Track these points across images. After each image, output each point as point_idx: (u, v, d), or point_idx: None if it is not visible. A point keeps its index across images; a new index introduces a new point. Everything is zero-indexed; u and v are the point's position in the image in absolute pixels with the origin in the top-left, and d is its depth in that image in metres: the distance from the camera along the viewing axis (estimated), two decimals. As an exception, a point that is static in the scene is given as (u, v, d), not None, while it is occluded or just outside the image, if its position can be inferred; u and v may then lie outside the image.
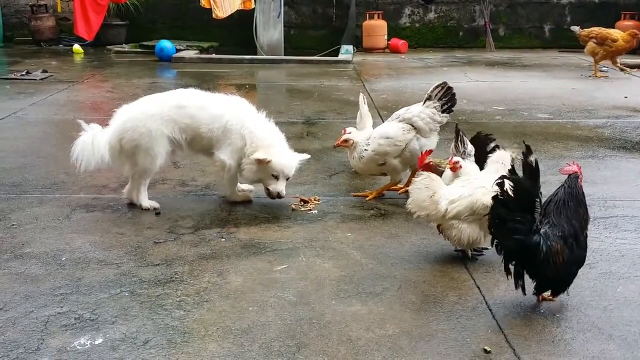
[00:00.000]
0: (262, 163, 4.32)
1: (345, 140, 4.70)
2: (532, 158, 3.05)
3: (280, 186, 4.41)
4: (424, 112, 4.71)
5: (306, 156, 4.69)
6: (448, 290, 3.38)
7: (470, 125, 6.41)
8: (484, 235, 3.56)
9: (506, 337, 2.95)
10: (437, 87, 4.82)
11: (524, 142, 3.40)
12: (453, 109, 4.84)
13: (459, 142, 4.13)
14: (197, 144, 4.51)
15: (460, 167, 3.92)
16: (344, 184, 5.07)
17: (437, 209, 3.59)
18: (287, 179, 4.46)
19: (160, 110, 4.40)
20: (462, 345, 2.88)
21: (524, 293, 3.13)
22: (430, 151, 4.38)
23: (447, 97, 4.78)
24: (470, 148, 4.13)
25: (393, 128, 4.71)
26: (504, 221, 2.98)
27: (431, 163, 4.26)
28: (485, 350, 2.83)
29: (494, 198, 3.02)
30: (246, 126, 4.41)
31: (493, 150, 4.01)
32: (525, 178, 3.07)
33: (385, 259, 3.75)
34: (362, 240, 4.00)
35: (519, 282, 3.10)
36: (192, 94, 4.63)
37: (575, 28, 10.62)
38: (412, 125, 4.68)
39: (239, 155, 4.43)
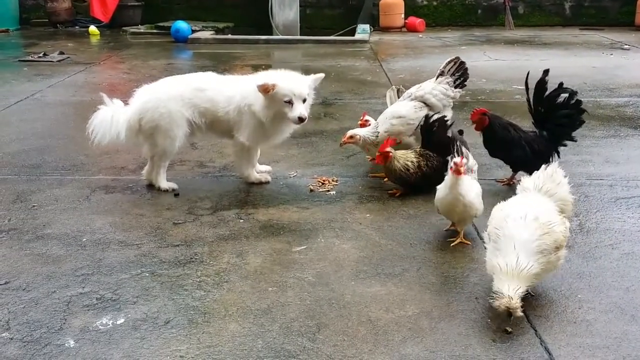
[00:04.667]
0: (266, 90, 4.08)
1: (351, 137, 4.62)
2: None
3: (298, 109, 4.08)
4: (436, 89, 4.68)
5: (320, 75, 4.33)
6: (469, 271, 3.36)
7: (489, 105, 6.33)
8: None
9: (528, 318, 2.93)
10: (449, 62, 4.79)
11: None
12: (466, 83, 4.82)
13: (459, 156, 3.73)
14: (218, 127, 4.48)
15: (473, 171, 3.77)
16: (362, 165, 5.04)
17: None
18: (304, 101, 4.14)
19: (182, 92, 4.38)
20: (483, 327, 2.87)
21: None
22: (394, 140, 4.37)
23: (459, 72, 4.75)
24: (473, 162, 3.86)
25: (405, 107, 4.67)
26: None
27: (390, 155, 4.21)
28: (506, 331, 2.81)
29: None
30: (247, 92, 4.28)
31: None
32: None
33: (404, 239, 3.74)
34: (381, 221, 3.98)
35: None
36: (211, 77, 4.59)
37: None
38: (425, 103, 4.64)
39: (256, 135, 4.40)
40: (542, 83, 4.32)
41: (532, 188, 3.16)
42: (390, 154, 4.23)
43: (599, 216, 4.02)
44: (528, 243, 2.85)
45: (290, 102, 4.13)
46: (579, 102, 4.34)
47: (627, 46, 10.61)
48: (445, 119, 4.42)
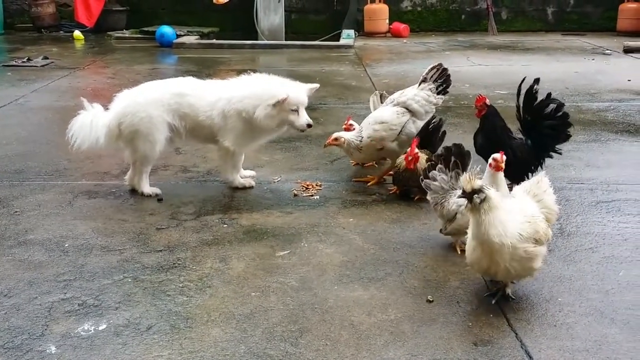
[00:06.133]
0: (280, 103, 4.17)
1: (336, 139, 4.63)
2: None
3: (304, 117, 4.28)
4: (419, 95, 4.70)
5: (315, 85, 4.51)
6: (450, 275, 3.39)
7: (472, 110, 6.36)
8: None
9: (509, 321, 2.95)
10: (432, 68, 4.82)
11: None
12: (448, 90, 4.85)
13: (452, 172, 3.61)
14: (200, 132, 4.47)
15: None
16: (345, 170, 5.06)
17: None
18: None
19: (162, 97, 4.38)
20: (464, 330, 2.89)
21: None
22: (419, 139, 4.41)
23: (442, 79, 4.78)
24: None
25: (387, 112, 4.69)
26: None
27: (418, 155, 4.26)
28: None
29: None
30: (237, 98, 4.31)
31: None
32: None
33: (387, 244, 3.76)
34: (364, 226, 4.00)
35: None
36: (192, 83, 4.58)
37: None
38: (407, 109, 4.67)
39: (242, 140, 4.41)
40: (531, 91, 4.30)
41: (521, 193, 3.20)
42: (419, 155, 4.25)
43: (580, 220, 4.07)
44: (511, 222, 2.91)
45: (296, 111, 4.25)
46: (565, 114, 4.30)
47: (608, 51, 10.73)
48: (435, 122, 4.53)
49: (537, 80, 4.31)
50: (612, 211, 4.20)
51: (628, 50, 10.53)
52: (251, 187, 4.62)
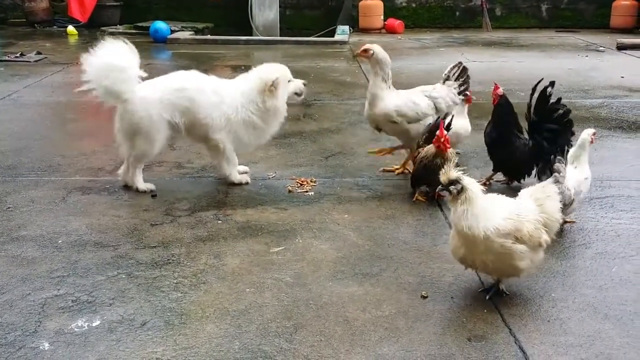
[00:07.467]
0: (277, 83, 4.42)
1: (366, 50, 4.56)
2: None
3: (296, 81, 4.63)
4: (449, 96, 4.70)
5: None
6: (444, 271, 3.39)
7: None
8: None
9: (502, 317, 2.96)
10: (453, 67, 4.83)
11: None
12: (468, 92, 4.85)
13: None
14: (196, 131, 4.44)
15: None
16: (340, 166, 5.06)
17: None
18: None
19: (161, 95, 4.33)
20: (459, 326, 2.90)
21: None
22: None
23: (463, 78, 4.78)
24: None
25: (423, 100, 4.64)
26: None
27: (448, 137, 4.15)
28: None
29: None
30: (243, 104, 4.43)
31: None
32: None
33: (381, 240, 3.76)
34: (359, 222, 4.00)
35: None
36: (193, 76, 4.53)
37: None
38: (435, 105, 4.65)
39: (237, 137, 4.45)
40: (545, 93, 4.28)
41: (525, 195, 3.21)
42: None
43: (573, 216, 4.08)
44: (488, 216, 2.94)
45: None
46: (570, 121, 4.30)
47: (602, 48, 10.77)
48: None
49: (552, 83, 4.32)
50: (606, 207, 4.21)
51: (621, 47, 10.57)
52: (247, 184, 4.61)
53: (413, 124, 4.60)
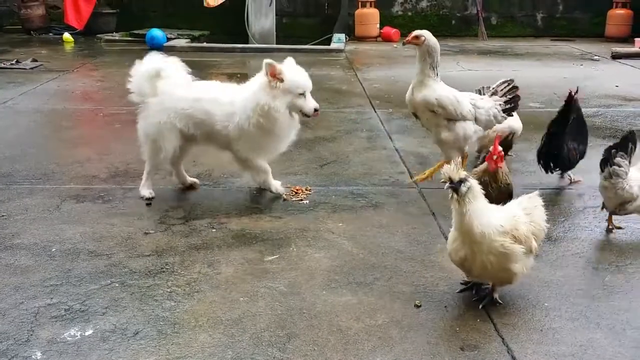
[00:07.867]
0: (271, 70, 4.14)
1: (417, 37, 4.44)
2: None
3: (311, 101, 4.26)
4: (492, 110, 4.56)
5: None
6: (438, 280, 3.40)
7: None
8: None
9: (495, 326, 2.97)
10: (503, 82, 4.71)
11: None
12: (513, 113, 4.73)
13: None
14: (215, 140, 4.41)
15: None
16: (335, 174, 5.07)
17: None
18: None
19: (175, 104, 4.30)
20: (452, 335, 2.90)
21: None
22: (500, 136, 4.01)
23: (511, 96, 4.64)
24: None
25: (466, 102, 4.53)
26: None
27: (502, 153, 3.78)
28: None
29: None
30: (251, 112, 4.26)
31: None
32: None
33: (376, 249, 3.76)
34: (354, 231, 4.01)
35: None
36: (211, 87, 4.51)
37: None
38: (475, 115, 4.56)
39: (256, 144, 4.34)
40: (571, 109, 4.55)
41: (514, 204, 3.24)
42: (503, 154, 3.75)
43: (567, 225, 4.09)
44: (492, 213, 3.00)
45: (303, 95, 4.24)
46: (582, 154, 4.52)
47: (597, 57, 10.82)
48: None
49: (576, 92, 4.50)
50: (600, 216, 4.22)
51: (616, 56, 10.62)
52: (282, 197, 4.50)
53: (449, 124, 4.48)
